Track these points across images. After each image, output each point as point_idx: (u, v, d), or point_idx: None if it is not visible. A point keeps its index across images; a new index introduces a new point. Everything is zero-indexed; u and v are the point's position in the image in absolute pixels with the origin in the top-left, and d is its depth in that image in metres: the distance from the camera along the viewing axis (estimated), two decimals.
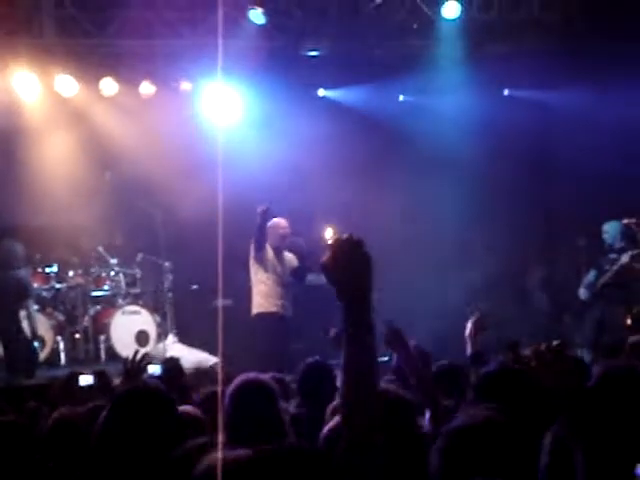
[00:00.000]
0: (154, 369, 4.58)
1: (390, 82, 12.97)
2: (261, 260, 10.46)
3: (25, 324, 11.16)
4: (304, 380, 5.84)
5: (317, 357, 6.13)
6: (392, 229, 12.68)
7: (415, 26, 12.56)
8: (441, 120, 12.68)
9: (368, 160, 12.81)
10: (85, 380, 4.83)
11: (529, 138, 13.19)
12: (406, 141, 12.87)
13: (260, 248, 10.36)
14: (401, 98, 13.81)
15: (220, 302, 9.09)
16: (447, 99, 12.80)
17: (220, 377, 3.68)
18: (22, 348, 11.12)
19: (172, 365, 7.16)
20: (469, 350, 5.58)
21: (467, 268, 12.64)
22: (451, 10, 12.11)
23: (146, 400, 3.27)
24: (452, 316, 9.30)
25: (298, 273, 10.70)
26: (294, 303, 10.73)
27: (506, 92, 13.58)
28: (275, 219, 10.50)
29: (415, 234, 12.76)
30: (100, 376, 5.86)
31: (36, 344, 11.40)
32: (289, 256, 10.73)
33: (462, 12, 12.15)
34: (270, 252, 10.53)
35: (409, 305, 11.01)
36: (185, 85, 12.58)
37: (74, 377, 6.23)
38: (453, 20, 12.18)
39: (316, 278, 12.62)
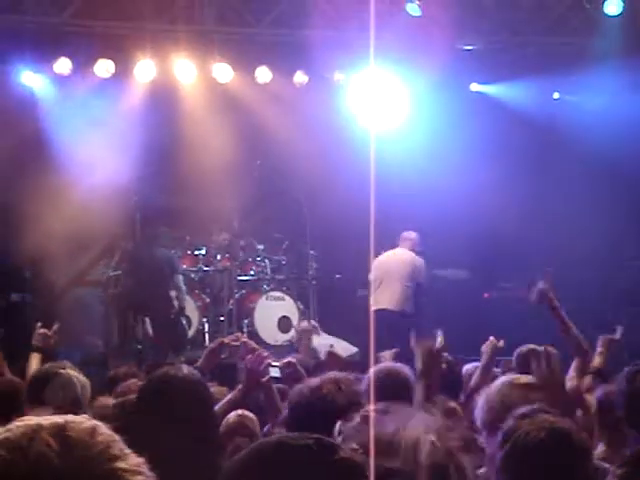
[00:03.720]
0: (273, 371, 4.55)
1: (545, 79, 12.69)
2: None
3: (174, 303, 11.46)
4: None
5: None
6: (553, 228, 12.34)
7: (575, 22, 12.28)
8: (599, 121, 12.20)
9: (522, 160, 12.47)
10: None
11: None
12: (561, 141, 12.53)
13: None
14: (556, 96, 13.48)
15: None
16: (605, 99, 12.41)
17: (372, 363, 3.60)
18: (171, 327, 11.40)
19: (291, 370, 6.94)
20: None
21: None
22: (613, 6, 11.77)
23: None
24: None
25: None
26: None
27: None
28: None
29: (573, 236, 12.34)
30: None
31: (184, 324, 11.70)
32: None
33: (624, 8, 11.79)
34: None
35: None
36: (338, 76, 12.66)
37: None
38: (615, 16, 11.84)
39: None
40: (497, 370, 5.61)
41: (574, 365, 4.99)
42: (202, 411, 3.44)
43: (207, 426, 3.45)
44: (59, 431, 1.28)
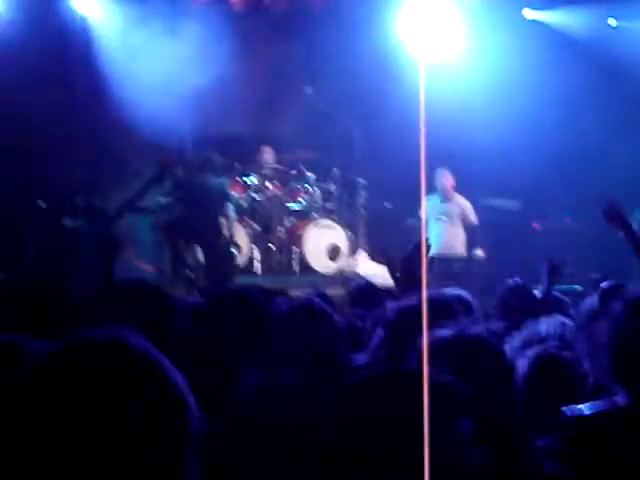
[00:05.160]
0: None
1: (601, 4, 12.35)
2: None
3: (225, 231, 11.53)
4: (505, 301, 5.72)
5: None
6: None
7: None
8: None
9: (580, 93, 12.15)
10: None
11: None
12: (617, 72, 12.15)
13: None
14: (613, 23, 13.02)
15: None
16: None
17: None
18: (221, 254, 11.48)
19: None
20: None
21: None
22: None
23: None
24: None
25: None
26: None
27: None
28: None
29: None
30: None
31: (234, 251, 11.77)
32: None
33: None
34: None
35: None
36: None
37: None
38: None
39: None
40: None
41: None
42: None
43: None
44: None
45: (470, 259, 11.65)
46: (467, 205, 11.85)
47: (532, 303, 5.49)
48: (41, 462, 1.35)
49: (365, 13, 12.34)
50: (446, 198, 11.80)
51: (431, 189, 11.67)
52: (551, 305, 5.50)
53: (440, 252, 10.98)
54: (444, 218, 11.69)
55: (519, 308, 5.29)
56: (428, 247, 4.44)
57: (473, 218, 11.84)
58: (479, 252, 11.77)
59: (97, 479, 1.35)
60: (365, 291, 5.83)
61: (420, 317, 3.03)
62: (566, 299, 5.96)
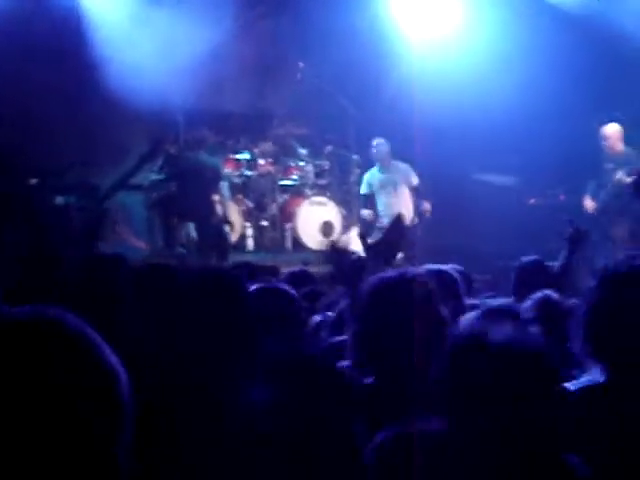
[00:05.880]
0: None
1: None
2: None
3: (218, 208, 11.50)
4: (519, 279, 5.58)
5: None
6: None
7: None
8: None
9: (575, 64, 11.99)
10: None
11: None
12: (608, 44, 12.02)
13: None
14: None
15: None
16: None
17: None
18: (214, 231, 11.47)
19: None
20: None
21: None
22: None
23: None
24: None
25: None
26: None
27: None
28: None
29: None
30: None
31: (227, 228, 11.75)
32: None
33: None
34: None
35: None
36: None
37: None
38: None
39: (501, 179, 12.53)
40: None
41: None
42: None
43: None
44: None
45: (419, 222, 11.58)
46: (406, 168, 11.78)
47: (548, 278, 5.30)
48: None
49: None
50: (384, 168, 11.78)
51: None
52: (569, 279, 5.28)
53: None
54: (388, 188, 11.70)
55: (535, 285, 5.09)
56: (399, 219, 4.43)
57: (414, 180, 11.76)
58: (426, 206, 11.71)
59: (24, 462, 1.32)
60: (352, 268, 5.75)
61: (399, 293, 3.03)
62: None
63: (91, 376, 1.38)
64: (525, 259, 5.67)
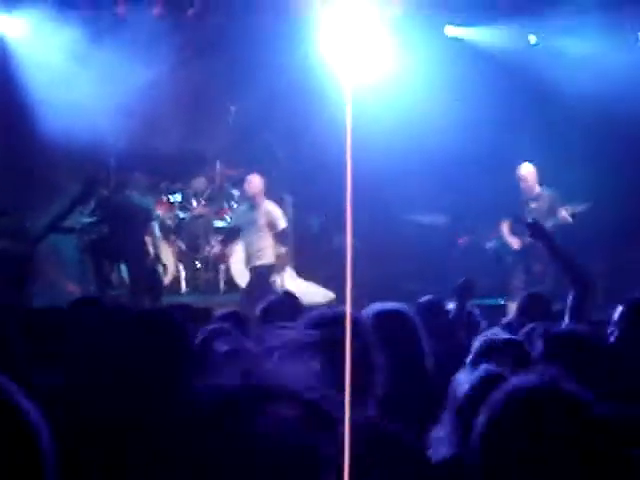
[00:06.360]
0: None
1: (521, 22, 12.44)
2: None
3: (150, 249, 11.44)
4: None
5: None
6: None
7: None
8: (577, 67, 11.68)
9: (504, 107, 12.20)
10: None
11: None
12: (539, 90, 12.28)
13: None
14: (532, 40, 13.01)
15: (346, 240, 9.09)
16: (584, 44, 11.95)
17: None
18: (147, 273, 11.39)
19: None
20: None
21: None
22: None
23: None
24: None
25: None
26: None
27: None
28: None
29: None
30: None
31: (160, 270, 11.68)
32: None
33: None
34: None
35: None
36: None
37: None
38: None
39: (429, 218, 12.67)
40: None
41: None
42: None
43: None
44: None
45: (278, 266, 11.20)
46: (275, 211, 11.21)
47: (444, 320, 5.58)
48: None
49: (287, 31, 12.31)
50: (255, 205, 11.19)
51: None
52: (461, 322, 5.65)
53: (253, 262, 10.97)
54: (253, 226, 11.05)
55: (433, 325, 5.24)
56: None
57: (281, 223, 11.16)
58: (282, 250, 11.21)
59: None
60: (281, 306, 5.73)
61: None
62: (477, 316, 6.04)
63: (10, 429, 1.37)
64: (422, 299, 5.89)
